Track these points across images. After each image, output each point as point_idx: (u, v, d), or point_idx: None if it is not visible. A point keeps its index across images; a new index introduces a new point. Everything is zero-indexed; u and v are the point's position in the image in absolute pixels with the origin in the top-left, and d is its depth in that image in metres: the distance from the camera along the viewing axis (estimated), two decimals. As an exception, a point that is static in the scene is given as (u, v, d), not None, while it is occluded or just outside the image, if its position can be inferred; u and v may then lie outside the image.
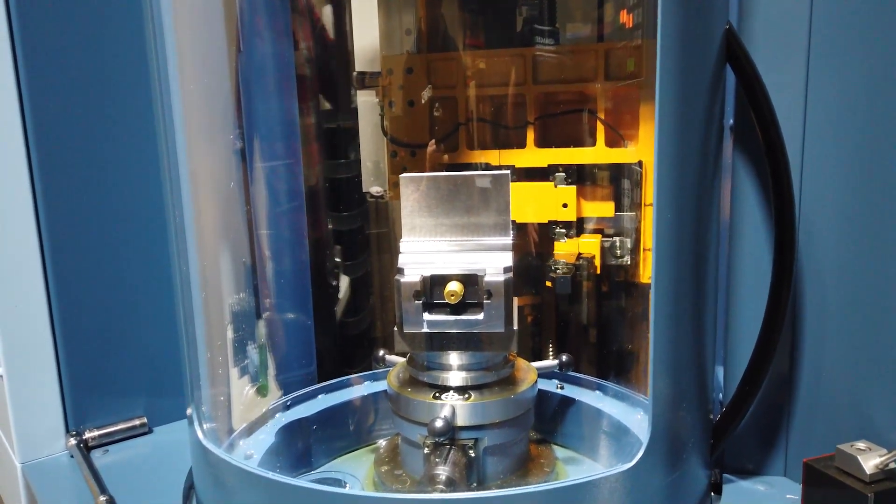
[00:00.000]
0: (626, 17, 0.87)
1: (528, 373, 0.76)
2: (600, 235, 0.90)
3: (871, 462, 0.53)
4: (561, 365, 0.83)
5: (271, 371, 0.82)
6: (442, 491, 0.62)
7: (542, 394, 0.88)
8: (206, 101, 0.75)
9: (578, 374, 0.88)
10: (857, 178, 0.57)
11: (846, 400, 0.60)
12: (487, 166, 1.29)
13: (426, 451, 0.69)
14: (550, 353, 0.96)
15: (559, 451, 0.85)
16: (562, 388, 0.88)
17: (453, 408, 0.68)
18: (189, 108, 0.70)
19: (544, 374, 0.88)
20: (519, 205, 1.26)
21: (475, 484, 0.69)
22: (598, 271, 0.91)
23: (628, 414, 0.80)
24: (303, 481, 0.56)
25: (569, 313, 0.97)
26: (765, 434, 0.64)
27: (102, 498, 0.64)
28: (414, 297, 0.67)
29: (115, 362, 0.81)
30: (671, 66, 0.49)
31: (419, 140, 1.40)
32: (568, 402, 0.87)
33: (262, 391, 0.76)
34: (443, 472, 0.64)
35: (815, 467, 0.56)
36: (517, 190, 1.27)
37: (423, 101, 1.04)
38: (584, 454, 0.84)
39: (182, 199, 0.69)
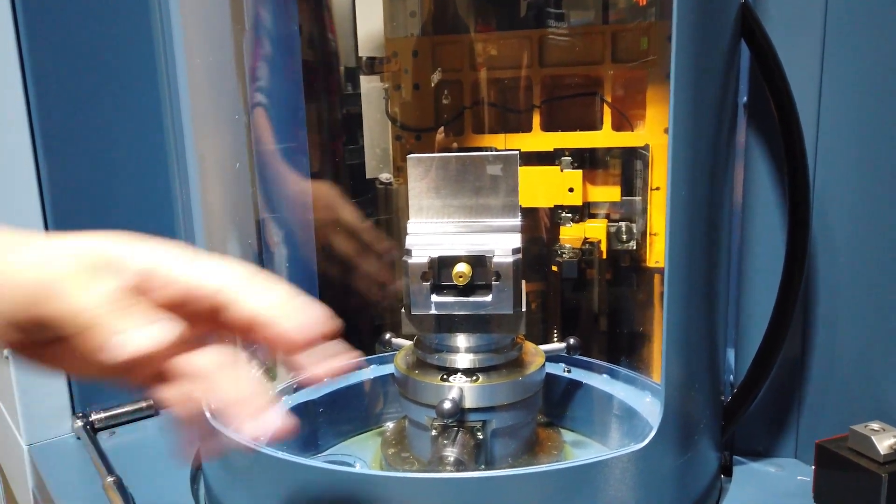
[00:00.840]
0: (637, -3, 0.87)
1: (536, 356, 0.76)
2: (606, 220, 0.90)
3: (885, 442, 0.53)
4: (569, 348, 0.82)
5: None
6: (451, 471, 0.62)
7: (550, 377, 0.88)
8: (212, 83, 0.75)
9: (586, 358, 0.88)
10: (872, 157, 0.56)
11: (859, 381, 0.60)
12: (493, 150, 1.29)
13: (434, 433, 0.69)
14: (555, 338, 0.96)
15: (567, 435, 0.85)
16: (569, 371, 0.88)
17: (461, 390, 0.68)
18: (195, 88, 0.69)
19: (552, 357, 0.88)
20: (524, 189, 1.25)
21: (483, 466, 0.69)
22: (605, 256, 0.91)
23: (636, 397, 0.79)
24: (312, 461, 0.56)
25: (575, 298, 0.96)
26: (775, 416, 0.64)
27: (110, 478, 0.64)
28: (422, 279, 0.67)
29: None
30: (686, 42, 0.48)
31: (424, 124, 1.39)
32: (576, 385, 0.86)
33: (271, 374, 0.76)
34: (451, 453, 0.64)
35: (827, 448, 0.56)
36: (523, 174, 1.26)
37: (432, 84, 1.03)
38: (593, 438, 0.84)
39: (189, 183, 0.68)
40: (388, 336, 0.82)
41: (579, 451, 0.81)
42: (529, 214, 1.17)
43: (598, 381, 0.85)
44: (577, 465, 0.54)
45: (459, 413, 0.65)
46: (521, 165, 1.22)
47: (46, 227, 0.75)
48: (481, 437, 0.69)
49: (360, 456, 0.82)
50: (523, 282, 0.78)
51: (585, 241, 0.90)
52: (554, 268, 0.91)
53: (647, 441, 0.54)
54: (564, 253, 0.88)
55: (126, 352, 0.35)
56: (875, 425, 0.55)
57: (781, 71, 0.54)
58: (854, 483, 0.54)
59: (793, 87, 0.55)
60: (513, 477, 0.54)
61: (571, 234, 0.89)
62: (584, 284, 0.95)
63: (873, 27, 0.54)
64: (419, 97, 1.31)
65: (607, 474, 0.54)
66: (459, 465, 0.63)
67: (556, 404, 0.88)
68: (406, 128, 1.42)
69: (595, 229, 0.89)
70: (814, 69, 0.57)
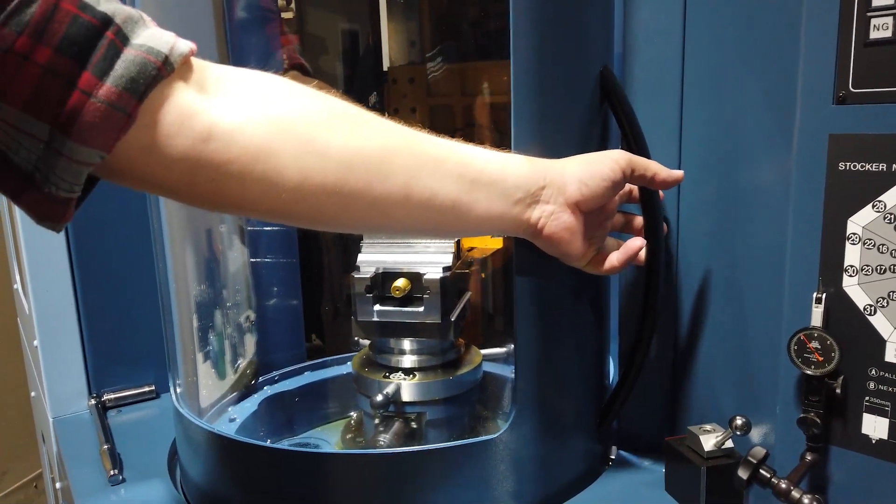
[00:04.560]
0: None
1: (474, 357, 0.87)
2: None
3: (710, 441, 0.63)
4: (509, 354, 0.94)
5: (249, 353, 0.95)
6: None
7: (495, 377, 0.99)
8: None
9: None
10: (726, 194, 0.66)
11: (706, 386, 0.70)
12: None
13: (377, 421, 0.81)
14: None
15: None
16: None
17: (398, 385, 0.80)
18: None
19: (498, 358, 0.99)
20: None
21: (416, 451, 0.81)
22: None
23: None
24: (244, 438, 0.69)
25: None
26: (654, 413, 0.74)
27: (105, 446, 0.79)
28: (366, 291, 0.80)
29: (129, 338, 0.96)
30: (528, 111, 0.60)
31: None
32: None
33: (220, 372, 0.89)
34: (383, 439, 0.76)
35: (672, 445, 0.66)
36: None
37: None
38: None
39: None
40: (356, 338, 0.94)
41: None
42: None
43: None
44: (440, 448, 0.64)
45: (390, 405, 0.78)
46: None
47: (68, 242, 0.91)
48: (416, 426, 0.81)
49: (328, 440, 0.95)
50: (469, 293, 0.90)
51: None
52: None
53: (499, 433, 0.64)
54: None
55: None
56: (709, 426, 0.65)
57: (638, 130, 0.64)
58: (687, 475, 0.64)
59: (658, 137, 0.66)
60: (382, 455, 0.66)
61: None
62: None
63: (726, 86, 0.65)
64: (415, 121, 1.43)
65: (464, 458, 0.64)
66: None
67: (505, 401, 1.00)
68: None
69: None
70: (675, 124, 0.67)
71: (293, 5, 1.10)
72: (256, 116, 0.45)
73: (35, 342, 0.93)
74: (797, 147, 0.57)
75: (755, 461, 0.58)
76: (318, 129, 0.47)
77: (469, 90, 1.23)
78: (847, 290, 0.56)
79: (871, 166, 0.54)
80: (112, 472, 0.74)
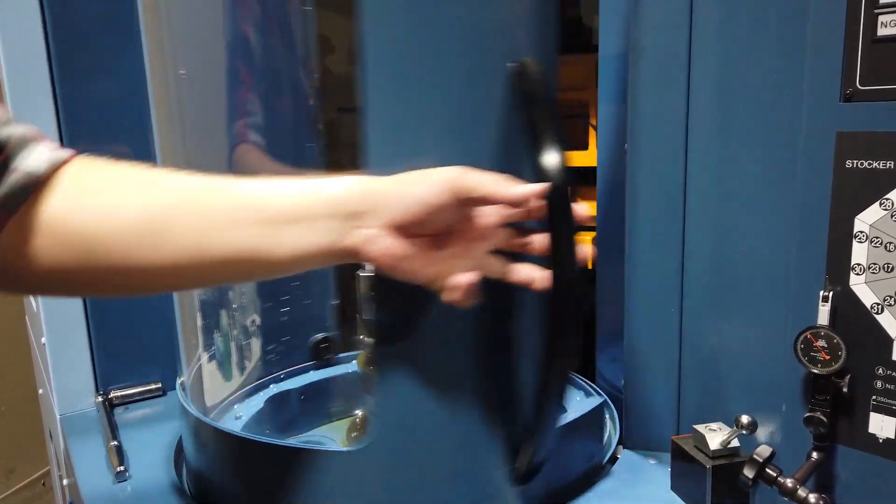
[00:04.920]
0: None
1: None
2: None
3: (717, 440, 0.63)
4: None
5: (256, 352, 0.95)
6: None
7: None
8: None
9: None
10: (726, 189, 0.66)
11: (712, 384, 0.70)
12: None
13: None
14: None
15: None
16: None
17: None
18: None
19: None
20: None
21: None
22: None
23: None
24: (249, 435, 0.69)
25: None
26: (660, 412, 0.74)
27: (113, 443, 0.79)
28: (371, 290, 0.80)
29: (136, 335, 0.97)
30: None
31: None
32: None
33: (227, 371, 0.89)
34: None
35: (678, 443, 0.66)
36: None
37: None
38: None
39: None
40: (362, 336, 0.94)
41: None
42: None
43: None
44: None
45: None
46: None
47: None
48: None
49: (334, 438, 0.95)
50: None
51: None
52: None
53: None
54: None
55: None
56: (714, 425, 0.65)
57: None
58: (693, 473, 0.64)
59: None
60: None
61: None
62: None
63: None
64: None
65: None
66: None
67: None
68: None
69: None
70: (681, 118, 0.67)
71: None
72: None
73: (42, 339, 0.93)
74: (804, 144, 0.57)
75: (761, 460, 0.58)
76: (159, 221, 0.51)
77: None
78: (854, 288, 0.56)
79: (879, 164, 0.54)
80: (119, 469, 0.75)
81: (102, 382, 0.95)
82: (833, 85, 0.55)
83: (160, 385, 0.98)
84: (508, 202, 0.52)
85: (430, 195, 0.51)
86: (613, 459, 0.75)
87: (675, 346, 0.71)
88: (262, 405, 0.91)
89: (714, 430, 0.64)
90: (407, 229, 0.52)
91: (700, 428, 0.65)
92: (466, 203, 0.52)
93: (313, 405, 0.99)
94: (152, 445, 0.82)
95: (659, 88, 0.68)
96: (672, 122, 0.68)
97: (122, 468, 0.75)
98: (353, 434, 0.88)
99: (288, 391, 0.96)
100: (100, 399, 0.93)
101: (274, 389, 0.95)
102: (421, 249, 0.53)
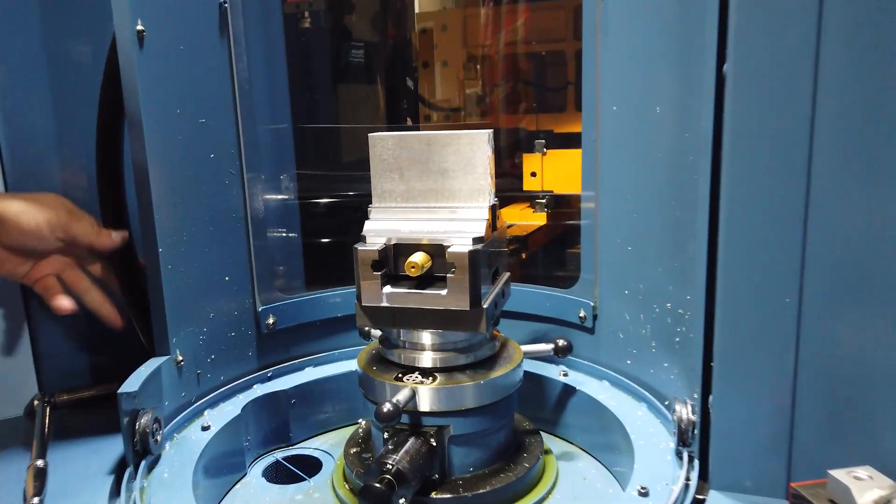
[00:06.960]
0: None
1: (513, 355, 0.68)
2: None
3: (868, 495, 0.42)
4: (556, 350, 0.74)
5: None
6: (386, 484, 0.56)
7: (542, 380, 0.80)
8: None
9: (585, 362, 0.80)
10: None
11: (853, 411, 0.49)
12: (524, 131, 1.20)
13: (385, 435, 0.63)
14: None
15: (558, 445, 0.77)
16: (566, 374, 0.80)
17: (414, 391, 0.61)
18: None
19: (540, 357, 0.80)
20: (552, 174, 1.17)
21: (436, 476, 0.62)
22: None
23: (630, 408, 0.71)
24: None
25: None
26: (770, 445, 0.54)
27: (38, 462, 0.60)
28: (373, 268, 0.61)
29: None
30: None
31: (454, 102, 1.32)
32: (570, 391, 0.78)
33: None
34: (392, 462, 0.58)
35: (801, 494, 0.46)
36: (551, 158, 1.18)
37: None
38: (584, 448, 0.76)
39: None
40: (367, 328, 0.76)
41: (566, 463, 0.73)
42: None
43: (595, 388, 0.76)
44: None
45: (399, 417, 0.59)
46: (554, 148, 1.14)
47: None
48: (436, 444, 0.62)
49: (332, 452, 0.77)
50: (507, 275, 0.71)
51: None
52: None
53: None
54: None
55: None
56: (861, 472, 0.44)
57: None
58: (829, 538, 0.44)
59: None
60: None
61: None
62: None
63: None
64: (448, 74, 1.24)
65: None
66: (399, 476, 0.57)
67: (549, 410, 0.80)
68: (434, 106, 1.36)
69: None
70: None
71: None
72: None
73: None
74: None
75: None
76: None
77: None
78: None
79: None
80: (32, 501, 0.56)
81: (48, 384, 0.77)
82: None
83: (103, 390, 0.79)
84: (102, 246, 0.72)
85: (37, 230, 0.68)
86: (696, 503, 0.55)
87: (791, 352, 0.51)
88: (239, 411, 0.73)
89: (862, 480, 0.44)
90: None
91: (840, 475, 0.44)
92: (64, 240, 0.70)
93: (306, 411, 0.80)
94: (85, 460, 0.63)
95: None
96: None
97: (36, 500, 0.56)
98: (354, 450, 0.69)
99: (275, 393, 0.78)
100: (36, 403, 0.74)
101: (258, 391, 0.77)
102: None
